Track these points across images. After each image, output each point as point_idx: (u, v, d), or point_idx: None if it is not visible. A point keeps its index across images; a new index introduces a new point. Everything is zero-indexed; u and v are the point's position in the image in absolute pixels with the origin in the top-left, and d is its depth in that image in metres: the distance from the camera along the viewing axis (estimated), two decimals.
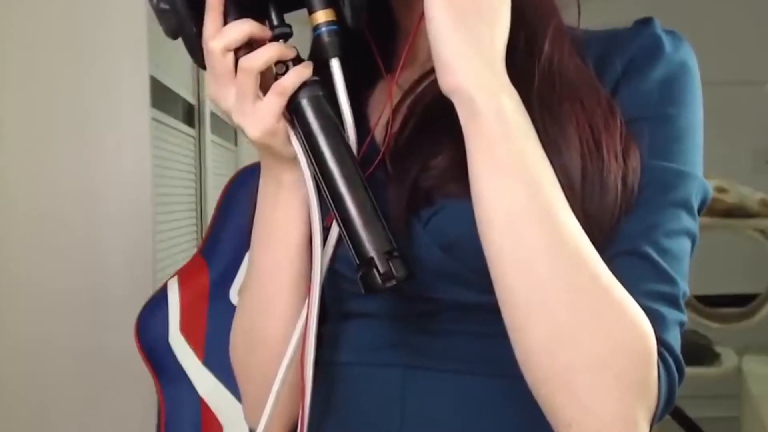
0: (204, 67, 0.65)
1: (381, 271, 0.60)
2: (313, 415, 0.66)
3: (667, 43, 0.68)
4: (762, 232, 2.93)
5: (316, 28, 0.63)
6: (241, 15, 0.63)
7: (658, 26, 0.70)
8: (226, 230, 1.14)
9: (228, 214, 1.14)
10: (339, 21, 0.63)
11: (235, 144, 3.55)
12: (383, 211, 0.63)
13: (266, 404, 0.67)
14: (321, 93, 0.64)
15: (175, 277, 1.14)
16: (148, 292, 1.18)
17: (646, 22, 0.70)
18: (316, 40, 0.64)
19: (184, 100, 2.64)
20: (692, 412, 2.71)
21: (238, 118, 0.64)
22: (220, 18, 0.63)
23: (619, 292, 0.58)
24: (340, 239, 0.64)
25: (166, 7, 0.65)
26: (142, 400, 1.53)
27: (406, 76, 0.71)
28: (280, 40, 0.64)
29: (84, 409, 1.56)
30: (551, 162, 0.60)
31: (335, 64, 0.64)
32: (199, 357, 1.10)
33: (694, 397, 2.81)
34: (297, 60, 0.64)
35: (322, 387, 0.71)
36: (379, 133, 0.71)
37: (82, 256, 1.61)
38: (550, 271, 0.57)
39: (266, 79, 0.64)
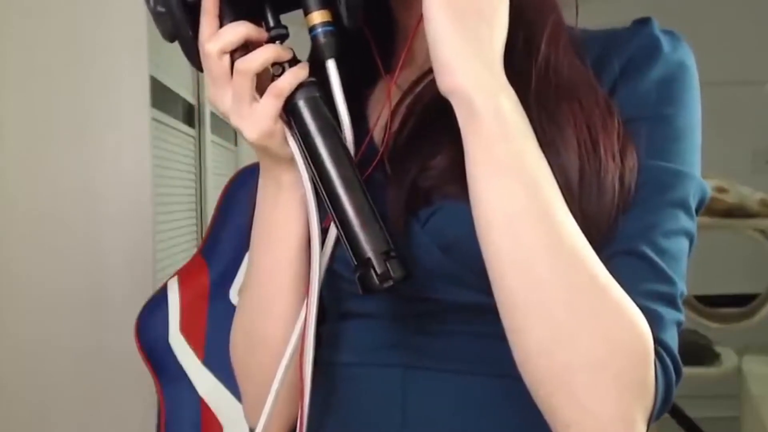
0: (201, 70, 0.65)
1: (378, 271, 0.60)
2: (313, 416, 0.66)
3: (665, 43, 0.68)
4: (762, 232, 2.93)
5: (312, 29, 0.63)
6: (237, 17, 0.63)
7: (657, 26, 0.70)
8: (226, 230, 1.14)
9: (228, 214, 1.14)
10: (335, 21, 0.63)
11: (235, 144, 3.55)
12: (382, 211, 0.63)
13: (265, 404, 0.67)
14: (318, 94, 0.64)
15: (175, 277, 1.14)
16: (148, 292, 1.18)
17: (644, 22, 0.70)
18: (312, 42, 0.64)
19: (184, 100, 2.64)
20: (692, 412, 2.71)
21: (235, 120, 0.64)
22: (215, 21, 0.63)
23: (617, 292, 0.58)
24: (338, 240, 0.64)
25: (163, 10, 0.65)
26: (142, 400, 1.53)
27: (405, 76, 0.71)
28: (277, 42, 0.64)
29: (84, 409, 1.56)
30: (549, 162, 0.60)
31: (331, 65, 0.64)
32: (199, 357, 1.10)
33: (694, 397, 2.81)
34: (293, 61, 0.64)
35: (322, 387, 0.71)
36: (378, 133, 0.71)
37: (82, 256, 1.61)
38: (548, 272, 0.57)
39: (263, 81, 0.64)
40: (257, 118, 0.63)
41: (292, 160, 0.65)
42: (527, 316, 0.58)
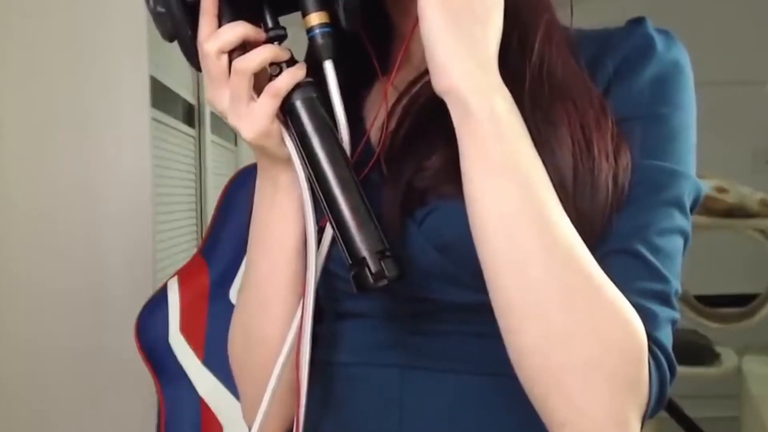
0: (199, 70, 0.66)
1: (373, 270, 0.60)
2: (310, 415, 0.66)
3: (659, 42, 0.68)
4: (762, 232, 2.92)
5: (309, 30, 0.64)
6: (235, 18, 0.64)
7: (650, 26, 0.70)
8: (226, 230, 1.14)
9: (228, 214, 1.14)
10: (333, 23, 0.64)
11: (235, 144, 3.55)
12: (378, 211, 0.63)
13: (261, 403, 0.67)
14: (315, 94, 0.64)
15: (175, 277, 1.14)
16: (148, 292, 1.18)
17: (638, 22, 0.70)
18: (310, 42, 0.64)
19: (184, 100, 2.64)
20: (692, 412, 2.71)
21: (232, 120, 0.64)
22: (214, 21, 0.64)
23: (611, 291, 0.58)
24: (334, 240, 0.64)
25: (163, 10, 0.65)
26: (142, 400, 1.53)
27: (402, 78, 0.71)
28: (275, 43, 0.65)
29: (84, 409, 1.56)
30: (543, 162, 0.60)
31: (329, 66, 0.64)
32: (199, 357, 1.10)
33: (694, 397, 2.81)
34: (291, 62, 0.64)
35: (319, 387, 0.71)
36: (374, 134, 0.71)
37: (82, 256, 1.61)
38: (543, 272, 0.57)
39: (261, 81, 0.64)
40: (254, 118, 0.64)
41: (289, 160, 0.66)
42: (522, 317, 0.58)
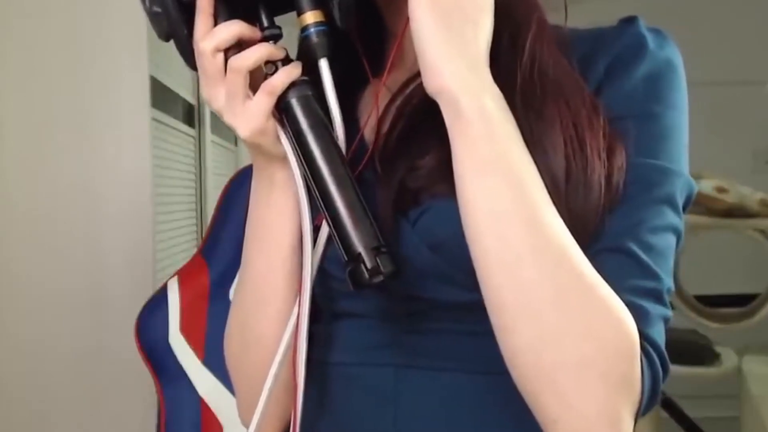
0: (195, 69, 0.66)
1: (368, 266, 0.60)
2: (306, 415, 0.67)
3: (651, 41, 0.68)
4: (762, 232, 2.92)
5: (304, 29, 0.64)
6: (231, 17, 0.64)
7: (643, 25, 0.70)
8: (226, 230, 1.14)
9: (228, 214, 1.14)
10: (328, 22, 0.64)
11: (235, 144, 3.55)
12: (372, 210, 0.63)
13: (258, 403, 0.67)
14: (310, 92, 0.65)
15: (175, 277, 1.14)
16: (148, 292, 1.18)
17: (630, 21, 0.70)
18: (305, 41, 0.65)
19: (184, 100, 2.64)
20: (692, 412, 2.71)
21: (228, 118, 0.65)
22: (210, 19, 0.64)
23: (603, 290, 0.58)
24: (330, 239, 0.64)
25: (159, 10, 0.65)
26: (142, 400, 1.53)
27: (394, 78, 0.71)
28: (270, 41, 0.65)
29: (84, 409, 1.56)
30: (536, 161, 0.60)
31: (324, 65, 0.64)
32: (199, 357, 1.10)
33: (694, 397, 2.81)
34: (286, 60, 0.65)
35: (315, 386, 0.71)
36: (368, 133, 0.72)
37: (82, 256, 1.61)
38: (536, 271, 0.57)
39: (256, 80, 0.64)
40: (250, 116, 0.64)
41: (284, 158, 0.66)
42: (515, 316, 0.58)
